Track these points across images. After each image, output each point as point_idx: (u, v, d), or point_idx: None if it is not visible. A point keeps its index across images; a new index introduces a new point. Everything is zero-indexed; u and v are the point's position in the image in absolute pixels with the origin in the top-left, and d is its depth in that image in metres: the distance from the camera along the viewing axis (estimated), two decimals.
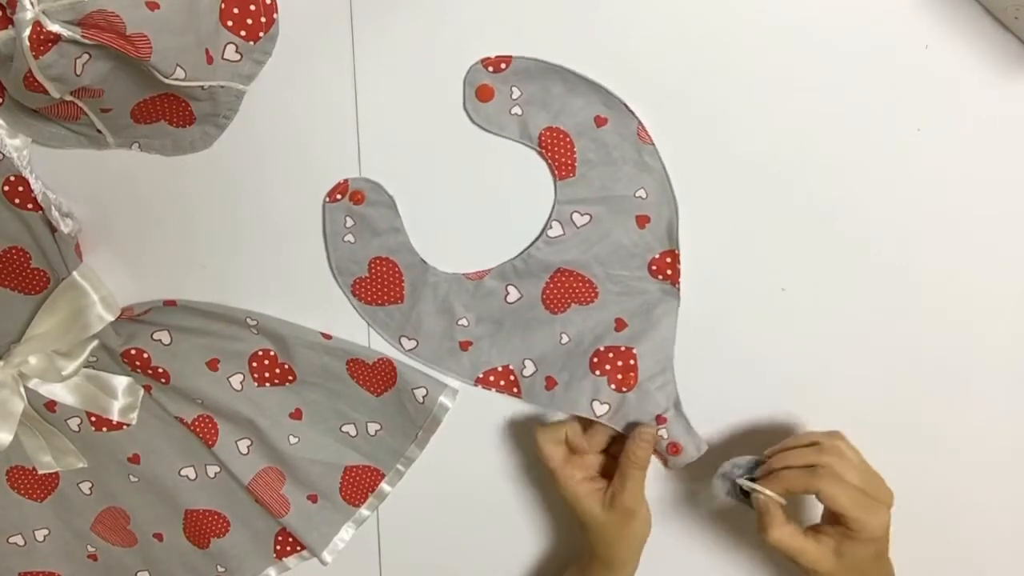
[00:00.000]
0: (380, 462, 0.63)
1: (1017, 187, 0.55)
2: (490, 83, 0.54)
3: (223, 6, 0.50)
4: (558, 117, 0.55)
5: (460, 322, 0.59)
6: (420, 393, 0.60)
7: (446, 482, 0.64)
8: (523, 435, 0.62)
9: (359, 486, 0.63)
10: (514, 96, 0.55)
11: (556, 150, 0.55)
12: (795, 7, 0.52)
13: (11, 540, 0.64)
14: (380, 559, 0.67)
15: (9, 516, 0.64)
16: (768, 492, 0.52)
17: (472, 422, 0.62)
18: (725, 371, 0.59)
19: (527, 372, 0.59)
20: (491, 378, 0.60)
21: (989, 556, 0.62)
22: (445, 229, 0.58)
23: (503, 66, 0.54)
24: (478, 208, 0.57)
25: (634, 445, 0.55)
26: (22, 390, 0.59)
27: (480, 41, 0.54)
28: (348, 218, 0.57)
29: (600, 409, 0.57)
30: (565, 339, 0.59)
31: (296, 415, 0.62)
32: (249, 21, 0.51)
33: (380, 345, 0.60)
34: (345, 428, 0.62)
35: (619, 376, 0.57)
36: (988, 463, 0.60)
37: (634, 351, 0.58)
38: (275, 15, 0.52)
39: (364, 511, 0.64)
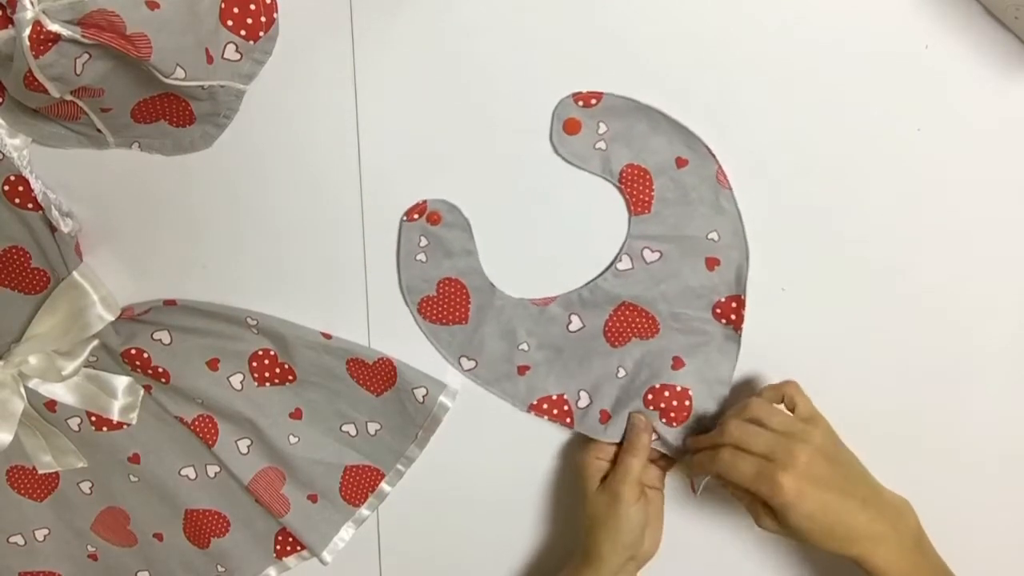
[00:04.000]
0: (380, 462, 0.63)
1: (1017, 187, 0.55)
2: (578, 117, 0.54)
3: (223, 6, 0.50)
4: (640, 154, 0.55)
5: (521, 347, 0.59)
6: (420, 393, 0.60)
7: (446, 482, 0.64)
8: (523, 435, 0.62)
9: (359, 486, 0.63)
10: (600, 131, 0.55)
11: (635, 186, 0.56)
12: (794, 7, 0.52)
13: (11, 540, 0.64)
14: (380, 559, 0.67)
15: (9, 516, 0.64)
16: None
17: (472, 422, 0.62)
18: None
19: (582, 403, 0.60)
20: (544, 406, 0.60)
21: (989, 556, 0.62)
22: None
23: (593, 101, 0.54)
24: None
25: (631, 434, 0.58)
26: (22, 390, 0.59)
27: (482, 41, 0.54)
28: (423, 238, 0.57)
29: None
30: (622, 373, 0.59)
31: (296, 415, 0.62)
32: (249, 21, 0.51)
33: (381, 345, 0.60)
34: (345, 428, 0.62)
35: (672, 414, 0.58)
36: (988, 463, 0.60)
37: (690, 392, 0.58)
38: (275, 15, 0.52)
39: (364, 511, 0.64)
